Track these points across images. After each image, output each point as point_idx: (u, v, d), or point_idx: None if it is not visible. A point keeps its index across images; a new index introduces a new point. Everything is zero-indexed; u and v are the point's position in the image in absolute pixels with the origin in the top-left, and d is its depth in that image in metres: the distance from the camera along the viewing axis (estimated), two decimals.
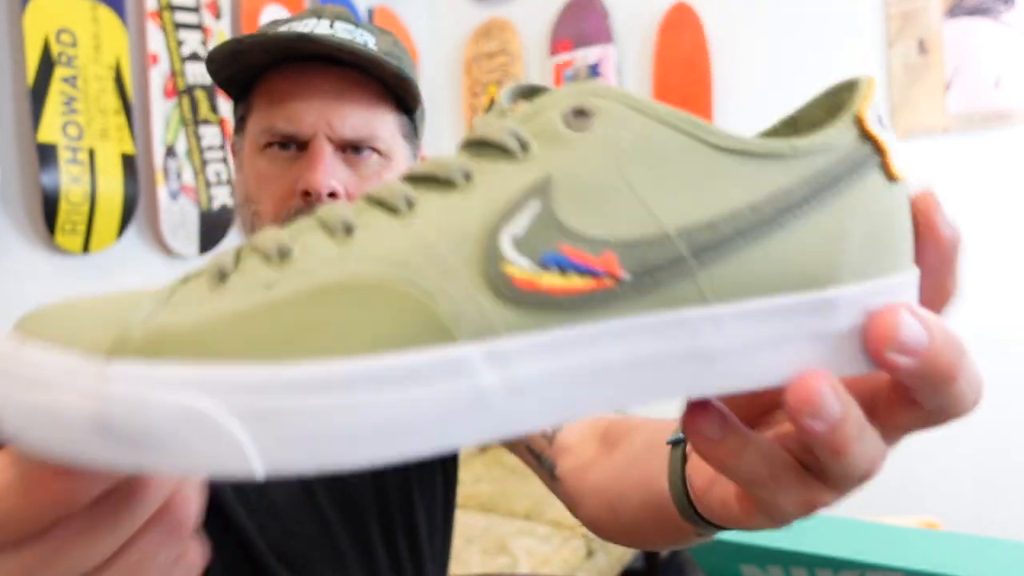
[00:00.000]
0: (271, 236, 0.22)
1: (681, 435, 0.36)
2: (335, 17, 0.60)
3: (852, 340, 0.22)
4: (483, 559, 1.51)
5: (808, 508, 0.25)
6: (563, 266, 0.21)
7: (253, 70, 0.60)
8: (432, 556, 0.72)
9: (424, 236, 0.21)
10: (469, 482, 1.94)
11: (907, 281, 0.24)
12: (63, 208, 1.35)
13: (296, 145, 0.58)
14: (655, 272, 0.21)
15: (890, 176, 0.24)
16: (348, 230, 0.21)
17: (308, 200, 0.56)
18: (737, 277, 0.22)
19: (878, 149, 0.23)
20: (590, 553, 1.59)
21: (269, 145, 0.59)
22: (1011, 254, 1.63)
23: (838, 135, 0.23)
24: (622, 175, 0.21)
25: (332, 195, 0.56)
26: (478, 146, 0.23)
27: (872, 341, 0.22)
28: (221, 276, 0.21)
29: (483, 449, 2.21)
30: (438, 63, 2.44)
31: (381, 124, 0.60)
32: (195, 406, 0.18)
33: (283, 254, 0.21)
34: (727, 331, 0.22)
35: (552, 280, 0.20)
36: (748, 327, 0.22)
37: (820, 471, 0.24)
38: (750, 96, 1.92)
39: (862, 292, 0.22)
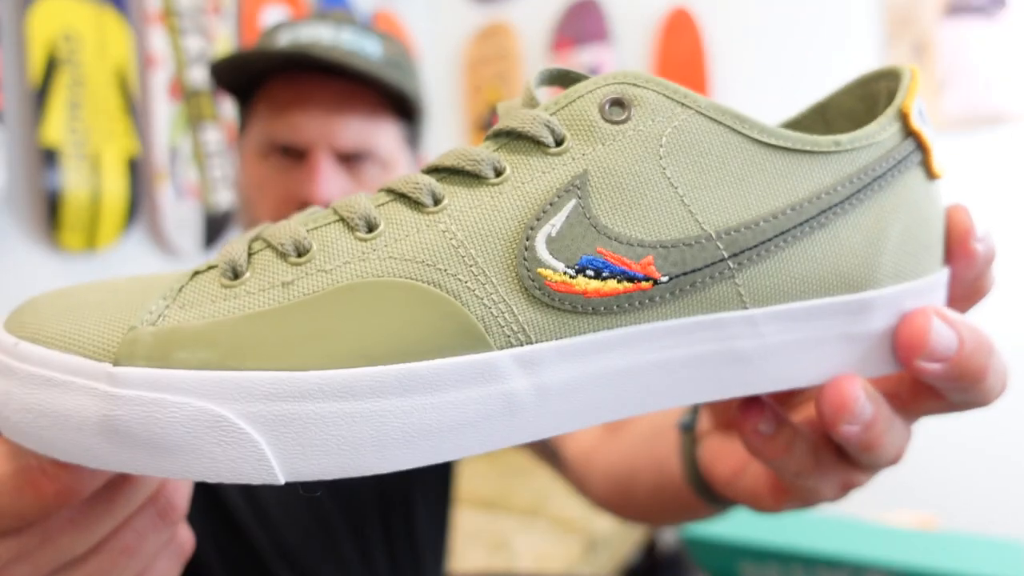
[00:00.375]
0: (287, 230, 0.21)
1: (689, 419, 0.36)
2: (341, 22, 0.60)
3: (885, 341, 0.22)
4: (483, 556, 1.52)
5: (845, 490, 0.27)
6: (600, 269, 0.20)
7: (255, 77, 0.60)
8: (431, 551, 0.73)
9: (452, 235, 0.20)
10: (469, 478, 1.95)
11: (939, 281, 0.23)
12: (67, 208, 1.35)
13: (297, 154, 0.58)
14: (693, 275, 0.20)
15: (931, 174, 0.23)
16: (371, 226, 0.20)
17: (306, 210, 0.56)
18: (776, 279, 0.21)
19: (921, 146, 0.23)
20: (591, 550, 1.60)
21: (270, 153, 0.59)
22: (1009, 254, 1.64)
23: (881, 131, 0.22)
24: (663, 172, 0.20)
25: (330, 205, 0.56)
26: (508, 137, 0.21)
27: (903, 348, 0.21)
28: (234, 273, 0.20)
29: None
30: (438, 64, 2.44)
31: (381, 133, 0.60)
32: (213, 412, 0.17)
33: (301, 251, 0.20)
34: (763, 333, 0.21)
35: (588, 284, 0.19)
36: (785, 330, 0.21)
37: (850, 459, 0.25)
38: (749, 96, 1.93)
39: (898, 293, 0.22)
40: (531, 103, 0.22)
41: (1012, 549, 0.50)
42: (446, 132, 2.47)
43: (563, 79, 0.23)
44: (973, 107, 1.64)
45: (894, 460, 0.24)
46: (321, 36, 0.57)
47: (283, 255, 0.20)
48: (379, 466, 0.18)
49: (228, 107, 1.66)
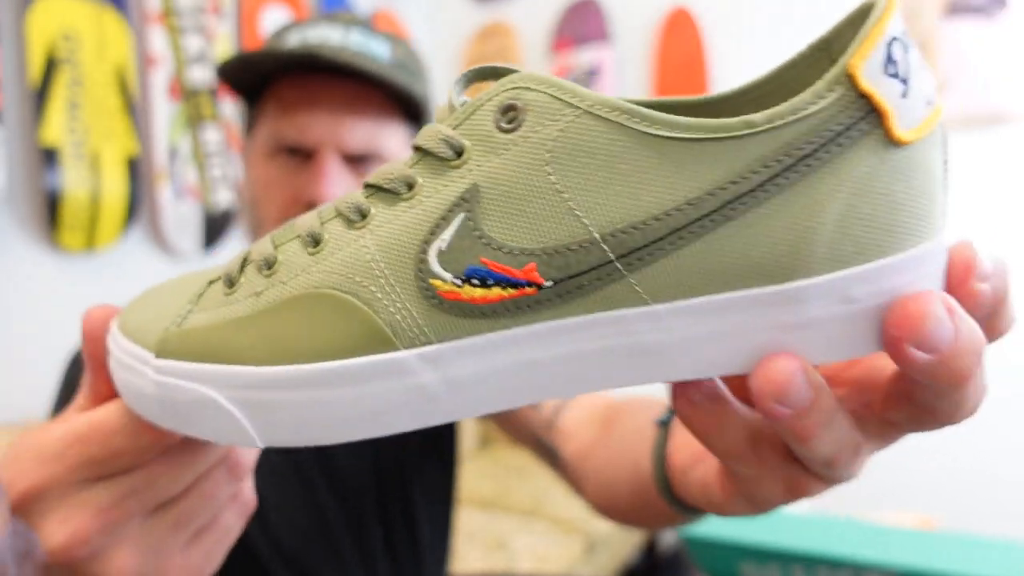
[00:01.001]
0: (264, 246, 0.25)
1: (666, 416, 0.36)
2: (350, 24, 0.60)
3: (832, 328, 0.20)
4: (483, 556, 1.52)
5: (791, 493, 0.24)
6: (484, 278, 0.21)
7: (264, 77, 0.60)
8: (432, 552, 0.73)
9: (368, 249, 0.22)
10: (469, 479, 1.95)
11: (909, 264, 0.20)
12: (66, 208, 1.35)
13: (304, 154, 0.58)
14: (579, 277, 0.20)
15: (892, 139, 0.19)
16: (316, 242, 0.23)
17: (312, 210, 0.57)
18: (677, 276, 0.20)
19: (876, 110, 0.19)
20: (590, 550, 1.60)
21: (277, 153, 0.59)
22: (1009, 254, 1.64)
23: (813, 101, 0.19)
24: (548, 179, 0.20)
25: None
26: (420, 152, 0.22)
27: (894, 328, 0.19)
28: (230, 283, 0.24)
29: (484, 446, 2.22)
30: (438, 65, 2.44)
31: (388, 135, 0.60)
32: (208, 395, 0.23)
33: (269, 264, 0.24)
34: (670, 328, 0.20)
35: (473, 292, 0.21)
36: (695, 323, 0.20)
37: (800, 458, 0.23)
38: None
39: (839, 280, 0.20)
40: (448, 111, 0.23)
41: (1013, 549, 0.50)
42: None
43: (495, 75, 0.23)
44: (973, 107, 1.65)
45: (833, 464, 0.22)
46: (330, 37, 0.57)
47: (259, 268, 0.24)
48: (329, 439, 0.23)
49: (228, 107, 1.66)
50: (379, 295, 0.22)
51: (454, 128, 0.22)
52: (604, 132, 0.20)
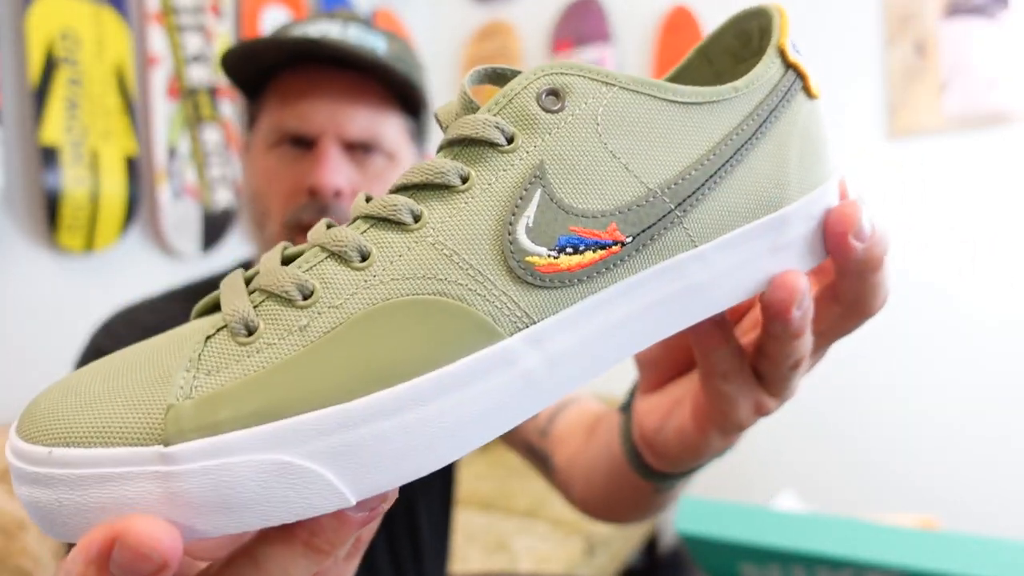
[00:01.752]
0: (283, 277, 0.22)
1: (627, 399, 0.40)
2: (348, 20, 0.61)
3: (802, 242, 0.26)
4: (483, 557, 1.52)
5: (756, 413, 0.30)
6: (576, 245, 0.22)
7: (266, 70, 0.61)
8: (433, 553, 0.73)
9: (443, 245, 0.22)
10: (470, 480, 1.94)
11: (832, 186, 0.27)
12: (65, 208, 1.35)
13: (305, 144, 0.59)
14: (651, 229, 0.23)
15: (810, 95, 0.26)
16: (364, 255, 0.22)
17: (315, 198, 0.57)
18: (715, 216, 0.24)
19: (799, 74, 0.26)
20: (590, 551, 1.60)
21: (279, 143, 0.60)
22: (1009, 254, 1.64)
23: (766, 70, 0.25)
24: (605, 147, 0.23)
25: (337, 194, 0.57)
26: (462, 145, 0.23)
27: (838, 225, 0.25)
28: (247, 329, 0.21)
29: (484, 447, 2.22)
30: (438, 64, 2.44)
31: (387, 125, 0.61)
32: (277, 460, 0.19)
33: (306, 293, 0.21)
34: (711, 264, 0.24)
35: (570, 260, 0.22)
36: (726, 256, 0.24)
37: (766, 377, 0.29)
38: None
39: (806, 203, 0.26)
40: (470, 107, 0.24)
41: (1018, 550, 0.50)
42: None
43: (497, 78, 0.25)
44: (974, 107, 1.64)
45: (797, 367, 0.28)
46: (329, 31, 0.58)
47: (289, 301, 0.21)
48: (435, 463, 0.21)
49: (227, 107, 1.66)
50: (471, 286, 0.21)
51: (495, 115, 0.23)
52: (641, 103, 0.23)
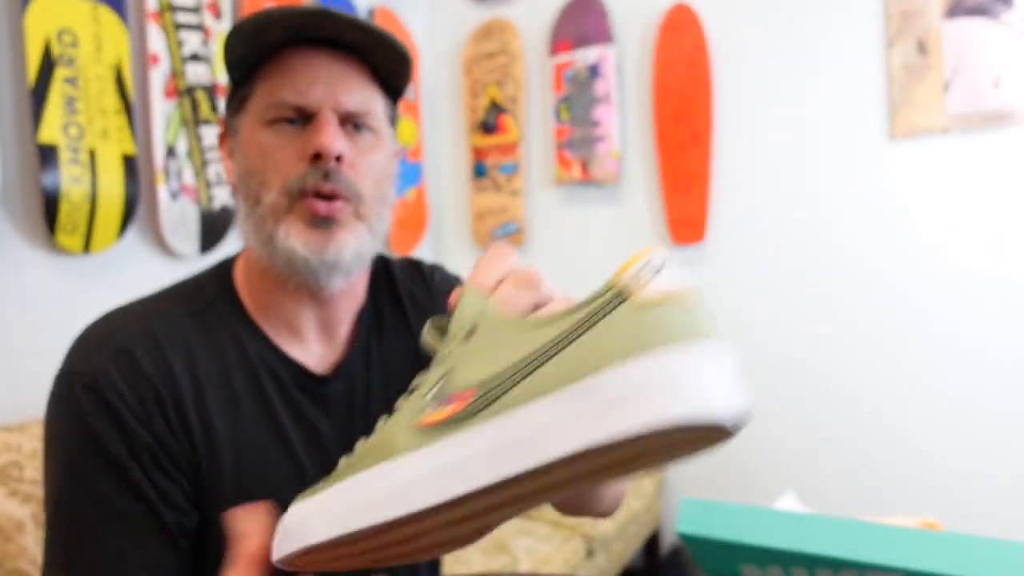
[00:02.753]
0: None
1: None
2: (340, 10, 0.62)
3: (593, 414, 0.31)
4: (483, 558, 1.51)
5: (614, 504, 0.39)
6: (446, 402, 0.35)
7: (265, 49, 0.63)
8: (427, 562, 0.72)
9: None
10: None
11: (621, 374, 0.31)
12: (64, 208, 1.35)
13: (303, 119, 0.61)
14: (489, 394, 0.34)
15: (632, 305, 0.32)
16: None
17: (317, 163, 0.60)
18: (527, 390, 0.32)
19: (626, 296, 0.32)
20: (590, 553, 1.59)
21: (275, 120, 0.61)
22: (1010, 255, 1.63)
23: (595, 299, 0.33)
24: (481, 355, 0.36)
25: (339, 158, 0.60)
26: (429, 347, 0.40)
27: None
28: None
29: None
30: (438, 63, 2.44)
31: (375, 103, 0.65)
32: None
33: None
34: (530, 417, 0.31)
35: (441, 413, 0.34)
36: (538, 414, 0.31)
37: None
38: (750, 96, 1.92)
39: (605, 379, 0.31)
40: (439, 330, 0.41)
41: (1019, 550, 0.49)
42: (445, 128, 2.47)
43: (446, 319, 0.40)
44: (978, 107, 1.63)
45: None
46: (327, 9, 0.61)
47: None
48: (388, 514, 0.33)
49: None
50: (398, 427, 0.37)
51: (449, 341, 0.38)
52: (503, 328, 0.36)
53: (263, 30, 0.61)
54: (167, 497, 0.57)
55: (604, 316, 0.32)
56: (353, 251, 0.61)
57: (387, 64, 0.64)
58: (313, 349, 0.67)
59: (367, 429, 0.66)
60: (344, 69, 0.62)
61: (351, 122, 0.63)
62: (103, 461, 0.55)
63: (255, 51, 0.63)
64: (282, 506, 0.61)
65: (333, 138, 0.59)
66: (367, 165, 0.63)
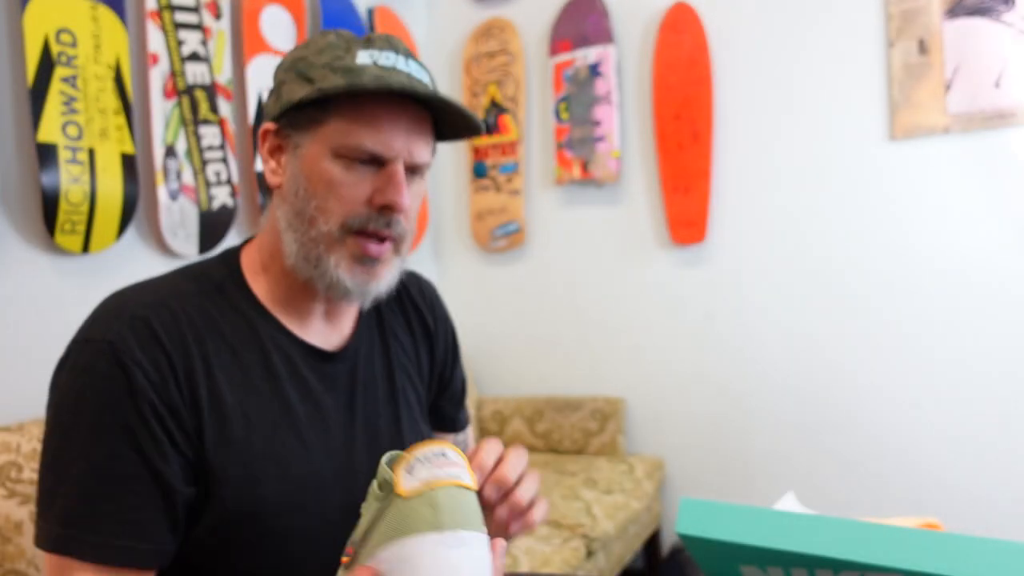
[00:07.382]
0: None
1: None
2: (402, 52, 0.67)
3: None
4: None
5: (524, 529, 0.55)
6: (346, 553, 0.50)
7: (356, 89, 0.64)
8: None
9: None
10: None
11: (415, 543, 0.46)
12: (63, 208, 1.35)
13: (377, 163, 0.66)
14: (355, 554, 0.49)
15: (399, 495, 0.47)
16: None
17: (384, 212, 0.65)
18: (363, 555, 0.48)
19: (396, 490, 0.47)
20: (590, 553, 1.59)
21: (350, 157, 0.65)
22: (1011, 255, 1.63)
23: (379, 490, 0.49)
24: (377, 512, 0.49)
25: (401, 211, 0.66)
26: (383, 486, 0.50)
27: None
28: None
29: None
30: (438, 63, 2.44)
31: (431, 152, 0.70)
32: None
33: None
34: (384, 556, 0.46)
35: (345, 558, 0.50)
36: (394, 552, 0.46)
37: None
38: (750, 95, 1.92)
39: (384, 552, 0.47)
40: (388, 485, 0.49)
41: (1019, 550, 0.49)
42: None
43: (396, 457, 0.50)
44: (979, 106, 1.63)
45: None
46: (396, 63, 0.66)
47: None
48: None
49: (225, 106, 1.66)
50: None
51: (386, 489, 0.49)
52: (370, 498, 0.50)
53: (359, 73, 0.64)
54: (170, 464, 0.59)
55: (387, 504, 0.47)
56: (388, 284, 0.68)
57: (457, 129, 0.71)
58: (320, 332, 0.71)
59: (366, 409, 0.73)
60: (420, 125, 0.67)
61: (412, 171, 0.68)
62: (112, 421, 0.58)
63: (343, 87, 0.63)
64: (286, 480, 0.63)
65: (405, 195, 0.65)
66: (415, 209, 0.69)
